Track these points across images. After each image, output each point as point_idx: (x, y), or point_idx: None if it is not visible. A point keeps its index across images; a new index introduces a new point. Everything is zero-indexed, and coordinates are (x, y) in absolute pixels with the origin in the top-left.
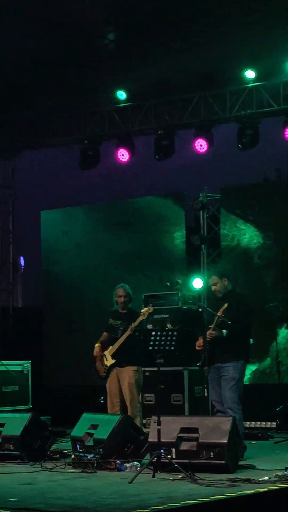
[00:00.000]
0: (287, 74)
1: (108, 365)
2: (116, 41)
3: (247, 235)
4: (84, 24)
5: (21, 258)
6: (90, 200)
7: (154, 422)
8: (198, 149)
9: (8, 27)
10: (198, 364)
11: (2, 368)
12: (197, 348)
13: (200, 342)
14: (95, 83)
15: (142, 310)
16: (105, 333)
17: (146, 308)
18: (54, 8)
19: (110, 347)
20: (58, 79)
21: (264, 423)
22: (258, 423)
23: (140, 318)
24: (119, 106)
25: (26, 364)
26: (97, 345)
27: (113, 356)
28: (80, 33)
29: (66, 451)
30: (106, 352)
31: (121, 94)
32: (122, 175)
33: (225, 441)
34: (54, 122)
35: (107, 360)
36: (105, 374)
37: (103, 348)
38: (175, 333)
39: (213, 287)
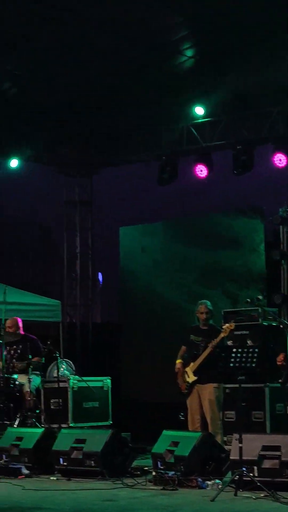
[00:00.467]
0: None
1: (190, 381)
2: (194, 57)
3: None
4: (162, 41)
5: (99, 274)
6: (168, 216)
7: (236, 440)
8: (277, 164)
9: (94, 46)
10: (280, 380)
11: (83, 384)
12: (278, 363)
13: (281, 357)
14: (174, 99)
15: (223, 327)
16: (183, 347)
17: (227, 325)
18: (131, 24)
19: (191, 363)
20: (136, 96)
21: None
22: None
23: (222, 335)
24: (197, 122)
25: (106, 380)
26: (178, 361)
27: (195, 373)
28: (159, 50)
29: (146, 468)
30: (187, 369)
31: (199, 110)
32: (201, 190)
33: None
34: (133, 138)
35: (189, 377)
36: (187, 391)
37: (184, 364)
38: (256, 349)
39: None
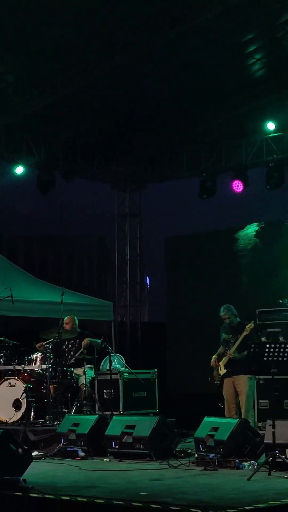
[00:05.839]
0: None
1: (221, 374)
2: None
3: None
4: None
5: (147, 278)
6: (208, 228)
7: (269, 425)
8: None
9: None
10: None
11: (132, 376)
12: None
13: None
14: (210, 122)
15: (246, 327)
16: (221, 347)
17: (248, 325)
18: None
19: (223, 358)
20: (178, 120)
21: None
22: None
23: (244, 334)
24: (233, 142)
25: (153, 373)
26: (214, 356)
27: (225, 367)
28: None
29: (190, 451)
30: (220, 363)
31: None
32: (237, 204)
33: None
34: (177, 157)
35: (221, 370)
36: (218, 382)
37: (219, 359)
38: (287, 345)
39: None
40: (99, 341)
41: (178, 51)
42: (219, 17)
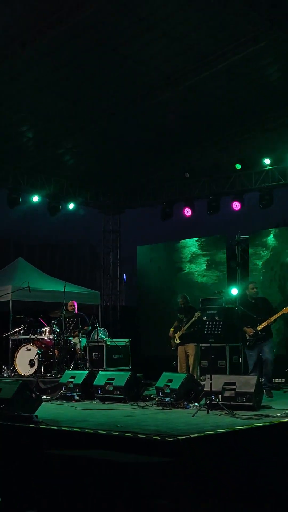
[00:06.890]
0: None
1: (177, 343)
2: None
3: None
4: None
5: (124, 275)
6: (167, 240)
7: (208, 378)
8: (235, 208)
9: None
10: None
11: (113, 343)
12: (249, 333)
13: (250, 331)
14: (170, 166)
15: (195, 314)
16: (176, 322)
17: (196, 313)
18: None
19: (178, 332)
20: (145, 165)
21: (277, 379)
22: (274, 379)
23: (193, 319)
24: (187, 180)
25: (127, 341)
26: (171, 329)
27: (179, 338)
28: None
29: (152, 396)
30: (176, 335)
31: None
32: (187, 224)
33: (253, 390)
34: (145, 191)
35: (176, 340)
36: (174, 348)
37: (175, 331)
38: (221, 323)
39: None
40: (89, 328)
41: (149, 116)
42: (174, 96)
